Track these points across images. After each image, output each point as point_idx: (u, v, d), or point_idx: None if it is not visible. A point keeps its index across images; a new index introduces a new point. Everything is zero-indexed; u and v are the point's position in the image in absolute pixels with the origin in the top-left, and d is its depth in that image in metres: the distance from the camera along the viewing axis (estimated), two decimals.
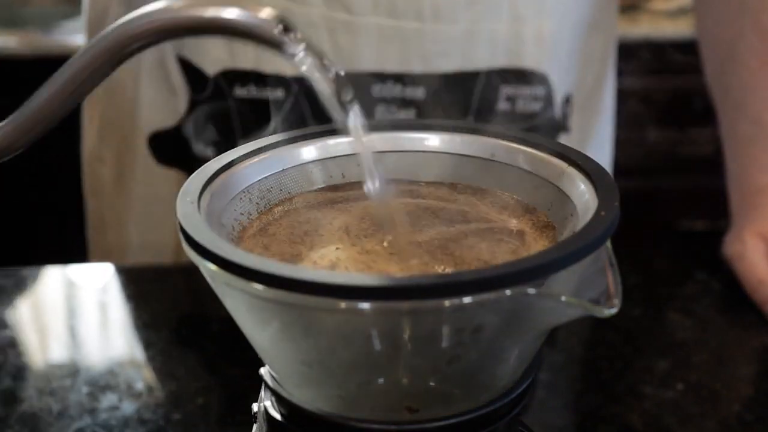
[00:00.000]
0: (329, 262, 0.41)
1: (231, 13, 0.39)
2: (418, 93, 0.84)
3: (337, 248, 0.42)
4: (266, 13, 0.39)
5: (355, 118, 0.41)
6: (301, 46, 0.39)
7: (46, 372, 0.71)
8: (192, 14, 0.39)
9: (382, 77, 0.83)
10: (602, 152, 1.00)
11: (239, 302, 0.39)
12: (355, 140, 0.42)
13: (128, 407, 0.66)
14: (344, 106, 0.41)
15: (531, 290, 0.35)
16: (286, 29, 0.39)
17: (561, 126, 0.91)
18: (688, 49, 1.15)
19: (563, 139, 0.91)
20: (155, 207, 0.93)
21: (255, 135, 0.49)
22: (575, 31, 0.90)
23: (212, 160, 0.46)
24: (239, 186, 0.46)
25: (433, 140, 0.50)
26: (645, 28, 1.93)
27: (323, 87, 0.40)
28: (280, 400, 0.42)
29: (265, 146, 0.48)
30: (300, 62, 0.40)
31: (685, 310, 0.79)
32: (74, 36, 1.83)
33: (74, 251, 1.11)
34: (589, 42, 0.92)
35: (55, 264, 0.87)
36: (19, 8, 2.09)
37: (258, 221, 0.46)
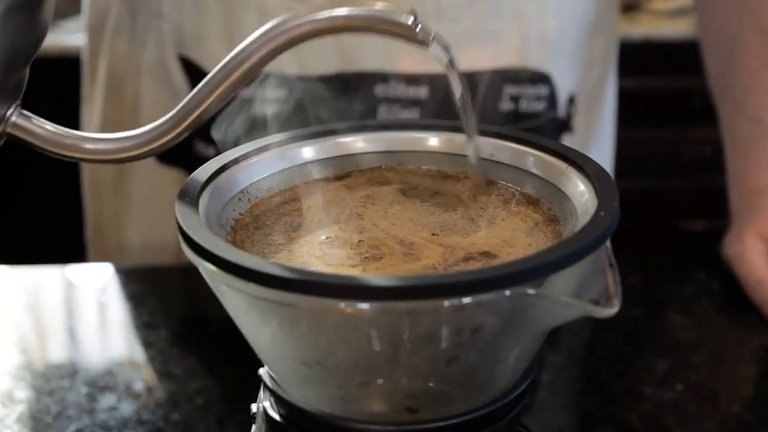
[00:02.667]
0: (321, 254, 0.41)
1: (370, 12, 0.43)
2: (422, 93, 0.84)
3: (328, 238, 0.42)
4: (398, 7, 0.43)
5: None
6: (431, 36, 0.44)
7: (44, 372, 0.71)
8: (339, 15, 0.42)
9: (385, 77, 0.83)
10: (603, 152, 1.00)
11: (238, 303, 0.39)
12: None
13: (127, 408, 0.66)
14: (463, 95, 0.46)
15: (530, 290, 0.35)
16: (416, 21, 0.43)
17: (565, 126, 0.91)
18: (688, 49, 1.15)
19: (567, 139, 0.91)
20: (155, 207, 0.92)
21: (257, 135, 0.49)
22: (578, 31, 0.90)
23: (211, 160, 0.46)
24: (238, 186, 0.46)
25: (433, 140, 0.50)
26: (645, 28, 1.93)
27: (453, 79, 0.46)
28: (279, 401, 0.42)
29: (265, 146, 0.48)
30: (432, 52, 0.45)
31: (685, 310, 0.79)
32: (74, 36, 1.83)
33: (74, 251, 1.11)
34: (591, 42, 0.92)
35: (54, 264, 0.87)
36: None
37: (249, 214, 0.46)
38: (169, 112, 0.97)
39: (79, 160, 0.45)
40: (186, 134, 0.44)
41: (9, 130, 0.43)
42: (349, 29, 0.43)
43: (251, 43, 0.43)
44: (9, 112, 0.43)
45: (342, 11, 0.42)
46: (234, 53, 0.43)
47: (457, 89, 0.45)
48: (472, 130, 0.46)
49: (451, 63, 0.45)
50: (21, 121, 0.44)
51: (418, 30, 0.43)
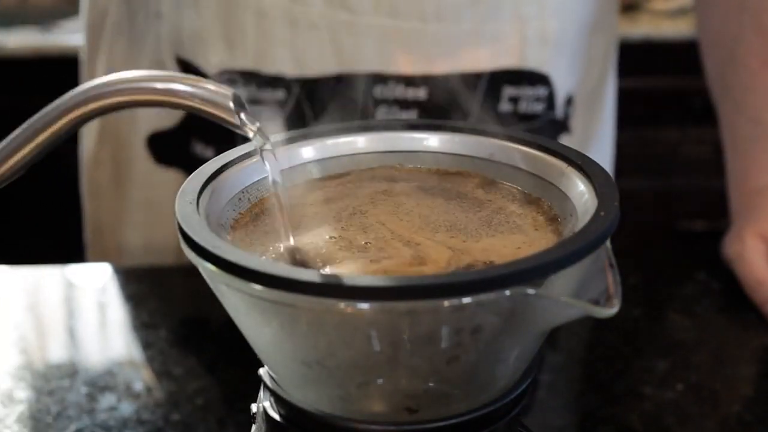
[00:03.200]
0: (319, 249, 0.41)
1: (190, 88, 0.40)
2: (420, 94, 0.84)
3: (331, 237, 0.42)
4: (223, 89, 0.40)
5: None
6: (255, 125, 0.41)
7: (44, 372, 0.71)
8: (150, 87, 0.40)
9: (383, 78, 0.83)
10: (603, 152, 1.00)
11: (238, 303, 0.39)
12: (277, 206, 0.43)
13: (127, 408, 0.66)
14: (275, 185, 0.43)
15: (530, 290, 0.35)
16: (239, 105, 0.41)
17: (563, 127, 0.91)
18: (688, 49, 1.15)
19: (565, 140, 0.91)
20: (153, 208, 0.92)
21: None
22: (578, 32, 0.90)
23: (211, 160, 0.46)
24: (238, 186, 0.46)
25: (432, 140, 0.50)
26: (645, 28, 1.93)
27: (270, 164, 0.42)
28: (279, 401, 0.42)
29: None
30: (254, 139, 0.42)
31: (685, 310, 0.79)
32: (74, 36, 1.83)
33: (73, 251, 1.11)
34: (591, 42, 0.92)
35: (54, 264, 0.87)
36: (19, 8, 2.09)
37: (249, 213, 0.46)
38: (166, 113, 0.97)
39: None
40: None
41: None
42: (168, 105, 0.40)
43: (68, 100, 0.40)
44: None
45: (166, 84, 0.40)
46: (47, 110, 0.41)
47: (272, 175, 0.43)
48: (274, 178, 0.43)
49: (271, 153, 0.43)
50: None
51: (241, 117, 0.41)
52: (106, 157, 0.95)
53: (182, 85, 0.40)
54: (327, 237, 0.43)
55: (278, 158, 0.43)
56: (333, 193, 0.48)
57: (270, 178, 0.43)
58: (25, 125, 0.40)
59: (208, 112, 0.40)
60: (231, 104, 0.40)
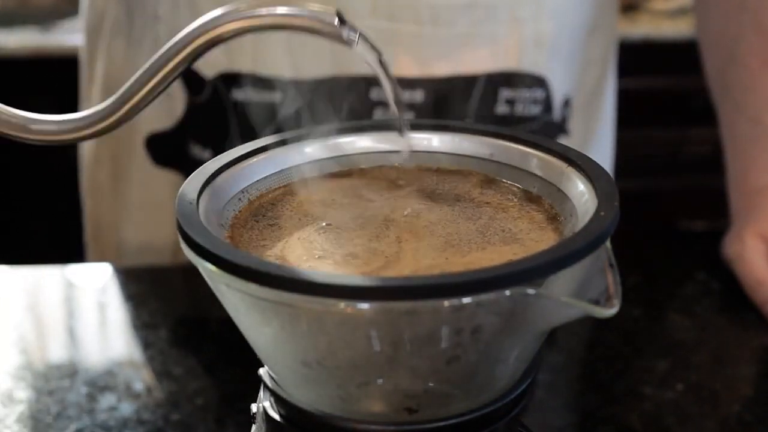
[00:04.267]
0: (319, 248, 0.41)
1: (295, 11, 0.44)
2: (417, 97, 0.84)
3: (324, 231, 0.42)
4: (326, 8, 0.44)
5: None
6: (357, 35, 0.44)
7: (44, 372, 0.71)
8: (261, 13, 0.44)
9: (380, 81, 0.83)
10: (603, 153, 1.00)
11: (238, 303, 0.39)
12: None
13: (127, 408, 0.66)
14: (395, 90, 0.47)
15: (530, 290, 0.35)
16: (342, 21, 0.43)
17: (560, 129, 0.91)
18: (688, 49, 1.15)
19: (563, 142, 0.91)
20: (152, 209, 0.93)
21: (253, 137, 0.49)
22: (575, 34, 0.90)
23: (211, 160, 0.46)
24: (238, 186, 0.46)
25: (432, 140, 0.50)
26: (645, 28, 1.93)
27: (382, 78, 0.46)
28: (279, 401, 0.42)
29: (263, 147, 0.48)
30: (359, 50, 0.45)
31: (685, 310, 0.79)
32: (73, 36, 1.82)
33: (74, 251, 1.11)
34: (589, 44, 0.92)
35: (54, 264, 0.87)
36: (19, 8, 2.09)
37: (247, 210, 0.46)
38: (164, 115, 0.98)
39: (26, 140, 0.46)
40: (127, 120, 0.46)
41: None
42: (277, 27, 0.44)
43: (186, 36, 0.44)
44: None
45: (271, 9, 0.43)
46: (170, 44, 0.44)
47: (387, 87, 0.46)
48: (404, 126, 0.47)
49: (380, 63, 0.46)
50: None
51: (344, 30, 0.43)
52: (106, 156, 0.95)
53: (286, 8, 0.44)
54: (323, 236, 0.43)
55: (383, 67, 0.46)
56: (331, 193, 0.48)
57: (377, 67, 0.46)
58: (150, 61, 0.45)
59: (314, 29, 0.44)
60: (336, 20, 0.43)
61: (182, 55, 0.44)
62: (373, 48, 0.45)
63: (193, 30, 0.44)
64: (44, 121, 0.46)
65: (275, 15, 0.43)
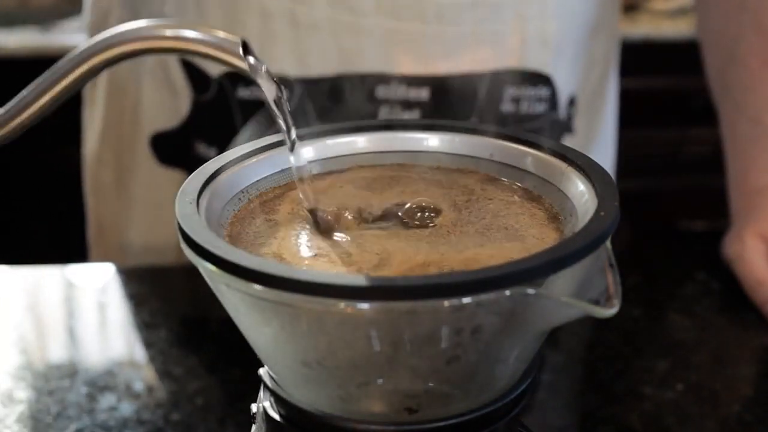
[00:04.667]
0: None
1: (199, 35, 0.42)
2: (422, 94, 0.84)
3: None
4: (232, 36, 0.42)
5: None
6: (263, 67, 0.42)
7: (44, 372, 0.71)
8: (165, 35, 0.42)
9: (386, 79, 0.83)
10: (605, 153, 1.00)
11: (238, 303, 0.39)
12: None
13: (127, 408, 0.66)
14: (286, 122, 0.44)
15: (530, 290, 0.35)
16: (246, 51, 0.42)
17: (565, 127, 0.91)
18: (688, 49, 1.15)
19: (567, 141, 0.91)
20: (156, 208, 0.93)
21: (257, 136, 0.49)
22: (579, 33, 0.90)
23: (211, 160, 0.46)
24: (238, 186, 0.46)
25: (432, 140, 0.50)
26: (645, 28, 1.93)
27: (269, 99, 0.43)
28: (279, 401, 0.42)
29: (264, 146, 0.48)
30: (261, 81, 0.43)
31: (685, 310, 0.79)
32: (74, 36, 1.83)
33: (74, 251, 1.11)
34: (592, 43, 0.92)
35: (55, 264, 0.87)
36: (19, 8, 2.09)
37: (246, 208, 0.46)
38: (170, 114, 0.98)
39: None
40: (9, 138, 0.44)
41: None
42: (180, 51, 0.42)
43: (82, 53, 0.42)
44: None
45: (176, 31, 0.42)
46: (63, 61, 0.43)
47: (281, 124, 0.44)
48: (291, 142, 0.45)
49: (276, 100, 0.44)
50: None
51: (248, 59, 0.42)
52: (110, 156, 0.95)
53: (192, 32, 0.42)
54: (321, 235, 0.43)
55: (287, 106, 0.44)
56: (331, 192, 0.48)
57: (274, 108, 0.44)
58: (42, 77, 0.42)
59: (218, 57, 0.42)
60: (239, 49, 0.42)
61: (77, 74, 0.42)
62: (275, 82, 0.43)
63: (90, 47, 0.42)
64: None
65: (179, 39, 0.41)
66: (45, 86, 0.42)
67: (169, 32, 0.41)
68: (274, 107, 0.43)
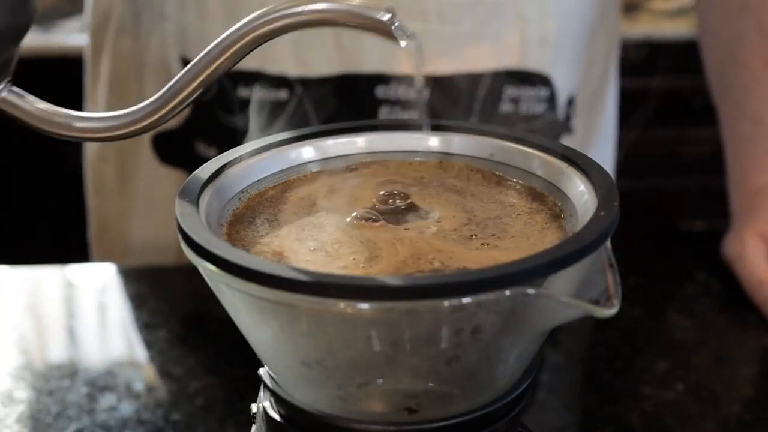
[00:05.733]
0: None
1: (349, 7, 0.43)
2: (423, 94, 0.84)
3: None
4: (377, 5, 0.44)
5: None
6: (407, 34, 0.44)
7: (44, 372, 0.71)
8: (318, 9, 0.43)
9: (386, 78, 0.83)
10: (605, 153, 1.00)
11: (238, 303, 0.39)
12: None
13: (127, 408, 0.66)
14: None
15: (530, 290, 0.35)
16: (393, 18, 0.43)
17: (564, 127, 0.91)
18: (688, 49, 1.15)
19: (566, 141, 0.91)
20: (158, 207, 0.93)
21: (258, 135, 0.49)
22: (579, 32, 0.90)
23: (211, 159, 0.46)
24: (238, 186, 0.46)
25: (433, 140, 0.50)
26: (645, 28, 1.93)
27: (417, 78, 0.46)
28: (279, 401, 0.42)
29: (264, 146, 0.48)
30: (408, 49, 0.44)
31: (685, 310, 0.79)
32: (74, 36, 1.82)
33: (75, 251, 1.11)
34: (592, 43, 0.92)
35: (55, 264, 0.87)
36: None
37: (245, 207, 0.46)
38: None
39: (68, 137, 0.46)
40: (172, 115, 0.46)
41: None
42: (328, 23, 0.44)
43: (234, 32, 0.44)
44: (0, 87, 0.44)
45: (321, 6, 0.43)
46: (217, 41, 0.44)
47: (418, 85, 0.46)
48: (426, 126, 0.47)
49: (419, 62, 0.46)
50: (10, 97, 0.45)
51: (394, 27, 0.43)
52: (111, 155, 0.95)
53: (342, 6, 0.43)
54: (320, 234, 0.43)
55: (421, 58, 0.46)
56: (331, 191, 0.48)
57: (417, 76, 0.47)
58: (204, 52, 0.44)
59: (366, 24, 0.43)
60: (385, 16, 0.43)
61: (229, 53, 0.44)
62: (418, 49, 0.45)
63: (240, 27, 0.44)
64: (88, 118, 0.46)
65: (329, 11, 0.43)
66: (202, 64, 0.44)
67: (315, 6, 0.43)
68: (416, 65, 0.45)
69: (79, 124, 0.46)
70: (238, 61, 0.45)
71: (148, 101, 0.46)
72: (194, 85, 0.45)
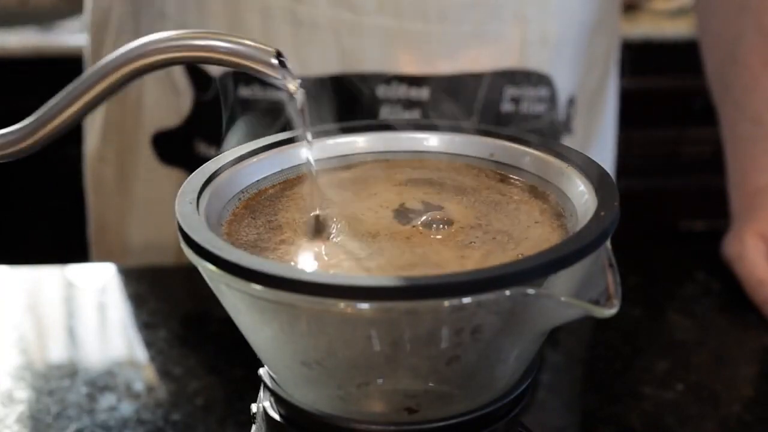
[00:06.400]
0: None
1: (230, 44, 0.41)
2: (423, 94, 0.84)
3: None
4: (264, 45, 0.42)
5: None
6: (298, 81, 0.43)
7: (44, 372, 0.71)
8: (196, 44, 0.41)
9: (386, 78, 0.83)
10: (605, 153, 1.00)
11: (238, 303, 0.39)
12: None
13: (127, 408, 0.66)
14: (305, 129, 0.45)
15: (530, 290, 0.35)
16: (281, 62, 0.42)
17: (564, 127, 0.91)
18: (688, 49, 1.15)
19: (567, 141, 0.91)
20: (157, 207, 0.93)
21: (259, 135, 0.49)
22: (580, 33, 0.90)
23: (211, 159, 0.46)
24: (238, 186, 0.46)
25: (432, 140, 0.50)
26: (645, 28, 1.93)
27: (297, 106, 0.44)
28: (279, 401, 0.42)
29: (264, 146, 0.48)
30: (294, 93, 0.44)
31: (685, 310, 0.79)
32: (74, 36, 1.83)
33: (74, 251, 1.11)
34: (593, 43, 0.92)
35: (55, 264, 0.87)
36: (19, 8, 2.09)
37: (244, 206, 0.46)
38: (171, 113, 0.98)
39: None
40: (37, 147, 0.43)
41: None
42: (211, 61, 0.42)
43: (112, 62, 0.42)
44: None
45: (208, 41, 0.41)
46: (93, 69, 0.42)
47: (302, 131, 0.45)
48: (309, 135, 0.46)
49: (302, 110, 0.45)
50: None
51: (283, 72, 0.42)
52: (111, 154, 0.96)
53: (223, 42, 0.41)
54: (320, 233, 0.43)
55: (307, 118, 0.45)
56: (329, 190, 0.48)
57: (304, 135, 0.45)
58: (72, 85, 0.42)
59: (251, 67, 0.42)
60: (273, 59, 0.41)
61: (106, 83, 0.42)
62: (303, 91, 0.44)
63: (119, 57, 0.42)
64: None
65: (210, 49, 0.41)
66: (73, 96, 0.42)
67: (199, 42, 0.41)
68: (299, 115, 0.44)
69: None
70: (116, 92, 0.42)
71: (15, 128, 0.43)
72: (69, 112, 0.42)
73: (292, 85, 0.43)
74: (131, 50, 0.41)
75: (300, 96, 0.43)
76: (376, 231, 0.43)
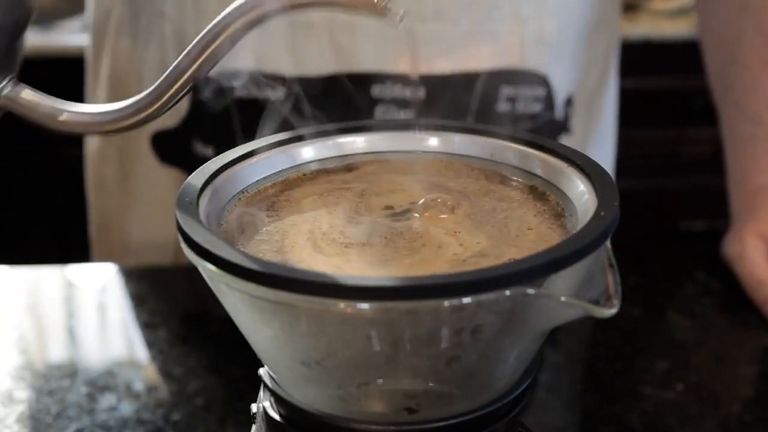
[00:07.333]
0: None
1: None
2: (419, 93, 0.84)
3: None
4: None
5: None
6: (400, 15, 0.43)
7: (44, 372, 0.71)
8: None
9: (382, 78, 0.83)
10: (604, 153, 1.00)
11: (238, 303, 0.39)
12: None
13: (127, 408, 0.66)
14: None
15: (530, 290, 0.35)
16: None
17: (562, 127, 0.91)
18: (688, 49, 1.15)
19: (565, 140, 0.91)
20: (157, 206, 0.93)
21: (255, 135, 0.49)
22: (578, 32, 0.90)
23: (211, 160, 0.46)
24: (238, 186, 0.46)
25: (432, 140, 0.50)
26: (645, 28, 1.93)
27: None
28: (279, 401, 0.42)
29: (264, 146, 0.48)
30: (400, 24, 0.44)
31: (684, 310, 0.79)
32: (74, 36, 1.82)
33: (74, 251, 1.11)
34: (591, 42, 0.92)
35: (55, 264, 0.87)
36: None
37: (243, 205, 0.46)
38: (170, 113, 0.98)
39: (75, 133, 0.46)
40: (171, 105, 0.45)
41: (2, 102, 0.44)
42: (322, 4, 0.44)
43: (225, 17, 0.44)
44: (2, 84, 0.43)
45: None
46: (209, 27, 0.44)
47: (413, 70, 0.45)
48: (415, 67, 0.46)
49: (412, 47, 0.46)
50: (15, 94, 0.44)
51: (387, 8, 0.43)
52: (112, 153, 0.96)
53: None
54: (319, 232, 0.43)
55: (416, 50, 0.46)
56: (329, 190, 0.48)
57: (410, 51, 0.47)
58: (194, 42, 0.44)
59: (360, 6, 0.43)
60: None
61: (221, 39, 0.44)
62: (409, 33, 0.45)
63: (232, 12, 0.43)
64: (76, 112, 0.45)
65: None
66: (194, 55, 0.44)
67: None
68: (408, 47, 0.45)
69: (63, 118, 0.45)
70: (233, 46, 0.44)
71: (146, 93, 0.45)
72: (189, 73, 0.45)
73: (397, 17, 0.43)
74: (244, 4, 0.43)
75: (406, 26, 0.44)
76: (376, 231, 0.43)
